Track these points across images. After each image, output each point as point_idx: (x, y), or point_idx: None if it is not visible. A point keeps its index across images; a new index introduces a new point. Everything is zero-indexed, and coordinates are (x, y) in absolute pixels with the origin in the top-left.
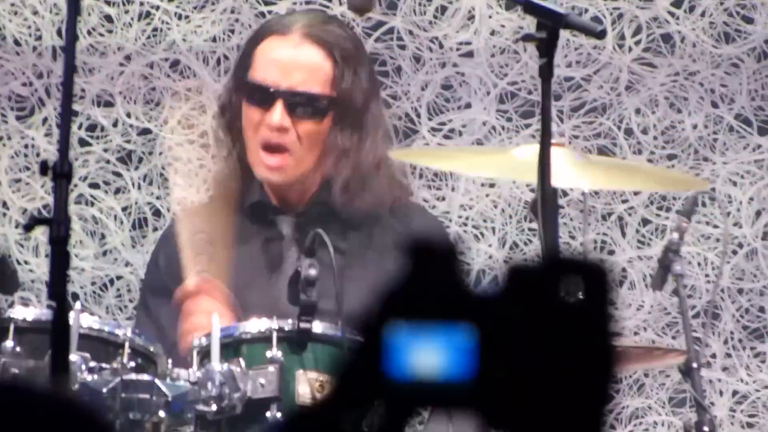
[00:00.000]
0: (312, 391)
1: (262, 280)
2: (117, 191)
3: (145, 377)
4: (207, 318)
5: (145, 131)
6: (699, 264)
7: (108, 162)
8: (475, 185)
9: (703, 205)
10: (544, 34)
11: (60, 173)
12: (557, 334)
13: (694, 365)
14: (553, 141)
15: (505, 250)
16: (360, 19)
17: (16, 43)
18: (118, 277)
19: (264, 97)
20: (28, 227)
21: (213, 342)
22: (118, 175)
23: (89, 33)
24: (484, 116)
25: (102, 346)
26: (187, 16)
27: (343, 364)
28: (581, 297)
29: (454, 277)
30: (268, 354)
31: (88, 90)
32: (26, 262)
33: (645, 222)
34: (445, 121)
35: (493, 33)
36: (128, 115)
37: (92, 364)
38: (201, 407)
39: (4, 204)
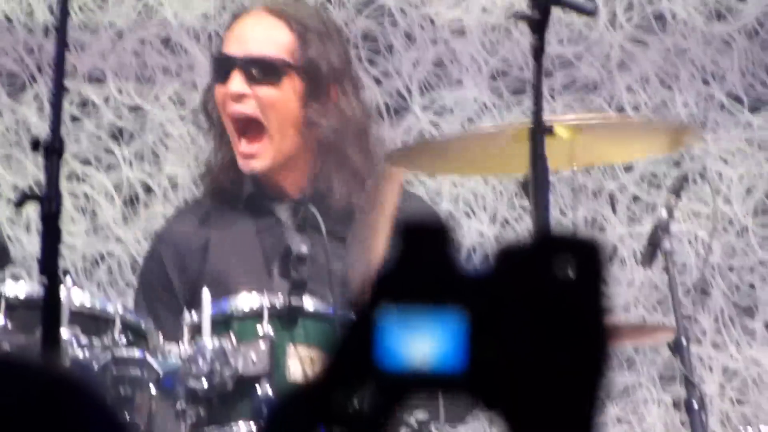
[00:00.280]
0: (302, 367)
1: (263, 272)
2: (108, 168)
3: (136, 353)
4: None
5: (137, 108)
6: (689, 241)
7: (99, 138)
8: None
9: (694, 182)
10: (535, 12)
11: (51, 150)
12: (549, 313)
13: (684, 342)
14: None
15: (496, 228)
16: None
17: (8, 20)
18: (109, 254)
19: (223, 68)
20: (19, 203)
21: (204, 318)
22: (110, 151)
23: (80, 10)
24: (476, 93)
25: (93, 322)
26: None
27: (334, 343)
28: (572, 275)
29: (445, 259)
30: (259, 330)
31: (80, 67)
32: (17, 239)
33: (635, 199)
34: (436, 98)
35: (484, 10)
36: (120, 92)
37: (83, 339)
38: (192, 383)
39: None
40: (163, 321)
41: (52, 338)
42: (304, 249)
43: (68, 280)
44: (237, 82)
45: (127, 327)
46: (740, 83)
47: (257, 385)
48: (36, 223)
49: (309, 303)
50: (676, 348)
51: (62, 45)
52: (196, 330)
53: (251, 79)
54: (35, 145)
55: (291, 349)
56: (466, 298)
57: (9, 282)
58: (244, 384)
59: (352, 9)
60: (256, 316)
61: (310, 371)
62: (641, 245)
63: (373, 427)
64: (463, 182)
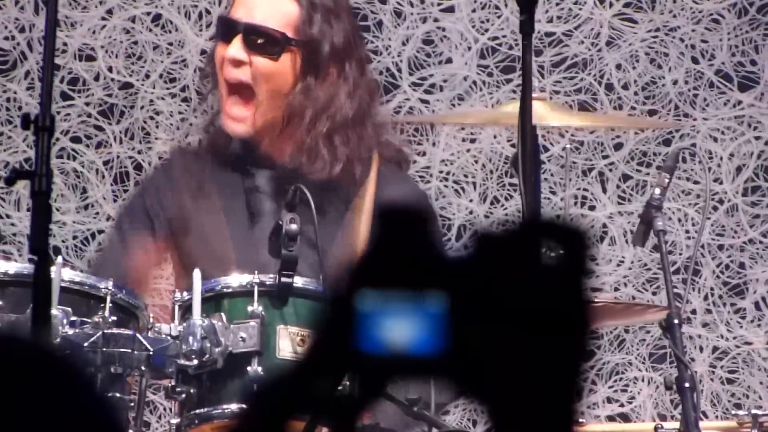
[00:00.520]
0: (293, 346)
1: (241, 232)
2: (98, 145)
3: (127, 331)
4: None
5: (127, 85)
6: (679, 220)
7: (90, 116)
8: (456, 140)
9: (684, 161)
10: None
11: (42, 127)
12: (531, 296)
13: (675, 321)
14: (534, 95)
15: (486, 206)
16: None
17: None
18: (100, 231)
19: (227, 31)
20: (10, 180)
21: (194, 296)
22: (100, 129)
23: None
24: (465, 71)
25: (83, 300)
26: None
27: (315, 326)
28: (558, 257)
29: (425, 243)
30: (249, 308)
31: (70, 44)
32: (7, 216)
33: (625, 178)
34: (426, 76)
35: None
36: (110, 69)
37: (73, 317)
38: (182, 361)
39: None
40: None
41: (42, 316)
42: (294, 227)
43: (59, 258)
44: (237, 48)
45: (117, 305)
46: (729, 61)
47: (248, 364)
48: (26, 200)
49: (299, 281)
50: (667, 327)
51: (52, 22)
52: (186, 308)
53: (251, 48)
54: (26, 122)
55: (281, 328)
56: (446, 281)
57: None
58: (235, 362)
59: None
60: (246, 294)
61: (300, 349)
62: (631, 224)
63: (354, 409)
64: (452, 160)
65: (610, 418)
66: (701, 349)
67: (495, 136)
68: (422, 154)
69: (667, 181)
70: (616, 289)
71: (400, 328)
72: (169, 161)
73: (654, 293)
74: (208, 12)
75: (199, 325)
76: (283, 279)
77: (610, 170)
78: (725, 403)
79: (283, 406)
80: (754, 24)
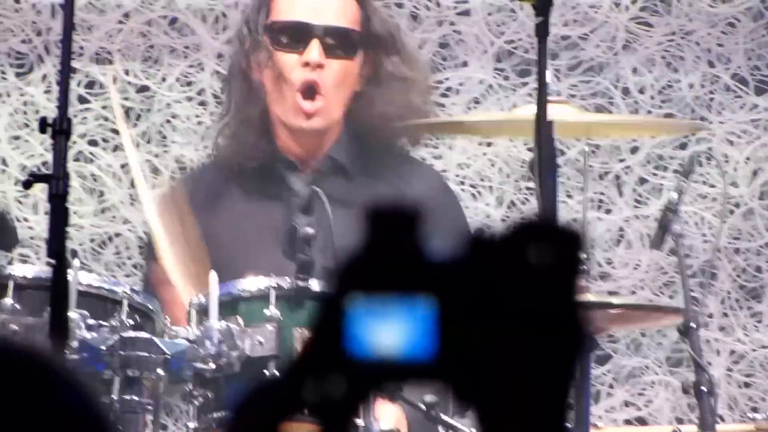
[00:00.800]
0: None
1: (270, 238)
2: (115, 148)
3: (144, 335)
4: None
5: (144, 88)
6: (696, 223)
7: (106, 119)
8: (472, 143)
9: (700, 164)
10: None
11: (59, 130)
12: (521, 300)
13: (692, 325)
14: (552, 99)
15: (503, 209)
16: None
17: (16, 0)
18: (117, 235)
19: (298, 35)
20: (27, 184)
21: (211, 300)
22: (117, 132)
23: None
24: (481, 75)
25: (101, 304)
26: None
27: (313, 324)
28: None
29: (414, 245)
30: (266, 312)
31: (87, 47)
32: (25, 219)
33: (642, 181)
34: (442, 79)
35: None
36: (126, 73)
37: (91, 321)
38: (199, 365)
39: (4, 161)
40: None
41: (59, 319)
42: (310, 230)
43: (76, 261)
44: (316, 52)
45: (134, 308)
46: (745, 65)
47: (265, 368)
48: (44, 203)
49: (316, 284)
50: (684, 331)
51: (69, 25)
52: (203, 312)
53: (328, 50)
54: (43, 125)
55: (298, 331)
56: (436, 285)
57: (17, 263)
58: (252, 366)
59: None
60: (263, 297)
61: None
62: (648, 227)
63: (343, 413)
64: (469, 163)
65: (628, 422)
66: (718, 352)
67: (511, 140)
68: (438, 157)
69: (684, 184)
70: (633, 293)
71: (389, 330)
72: (171, 190)
73: (671, 297)
74: (224, 15)
75: (216, 329)
76: (300, 282)
77: (627, 174)
78: (742, 406)
79: (275, 408)
80: None
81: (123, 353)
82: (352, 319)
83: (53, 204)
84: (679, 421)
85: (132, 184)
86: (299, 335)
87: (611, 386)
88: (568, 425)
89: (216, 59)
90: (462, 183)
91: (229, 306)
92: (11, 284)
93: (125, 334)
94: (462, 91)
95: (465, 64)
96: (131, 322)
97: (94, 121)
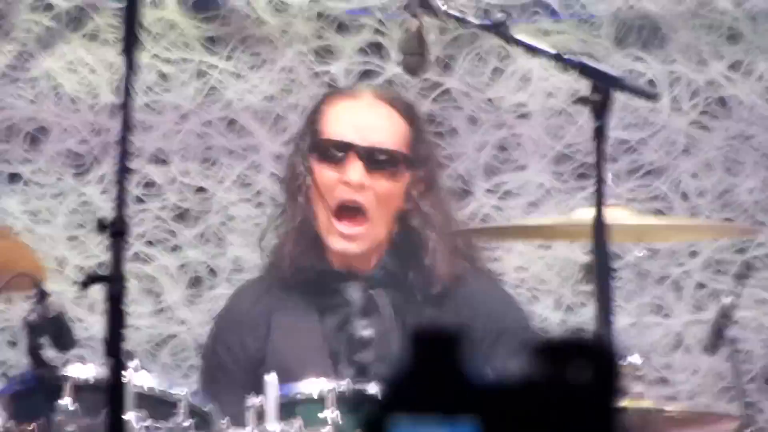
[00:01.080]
0: None
1: (325, 354)
2: (172, 249)
3: None
4: None
5: (201, 189)
6: (754, 329)
7: (163, 220)
8: (530, 247)
9: (757, 269)
10: (598, 97)
11: (116, 231)
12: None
13: (748, 431)
14: (610, 203)
15: (561, 313)
16: (415, 81)
17: (73, 101)
18: (173, 336)
19: (341, 154)
20: (84, 285)
21: (269, 402)
22: (174, 233)
23: (146, 91)
24: (540, 178)
25: (158, 405)
26: (243, 75)
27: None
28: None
29: (457, 368)
30: (324, 415)
31: (144, 148)
32: (81, 320)
33: (701, 286)
34: (500, 182)
35: (548, 95)
36: (184, 173)
37: (148, 422)
38: None
39: (61, 261)
40: (225, 403)
41: (116, 421)
42: (367, 333)
43: (134, 362)
44: (357, 172)
45: (191, 410)
46: None
47: None
48: (100, 304)
49: (374, 388)
50: None
51: (126, 126)
52: (260, 414)
53: (371, 170)
54: (100, 226)
55: None
56: (478, 407)
57: (76, 364)
58: None
59: (417, 93)
60: (321, 400)
61: None
62: (705, 332)
63: None
64: (527, 266)
65: None
66: None
67: (569, 243)
68: (496, 260)
69: (739, 289)
70: (691, 398)
71: None
72: (227, 310)
73: (729, 402)
74: (282, 117)
75: None
76: (357, 386)
77: (685, 278)
78: None
79: None
80: None
81: None
82: None
83: (110, 305)
84: None
85: (188, 285)
86: None
87: None
88: None
89: (274, 161)
90: (519, 286)
91: (286, 408)
92: (68, 385)
93: None
94: (520, 195)
95: (523, 167)
96: (187, 423)
97: (151, 221)
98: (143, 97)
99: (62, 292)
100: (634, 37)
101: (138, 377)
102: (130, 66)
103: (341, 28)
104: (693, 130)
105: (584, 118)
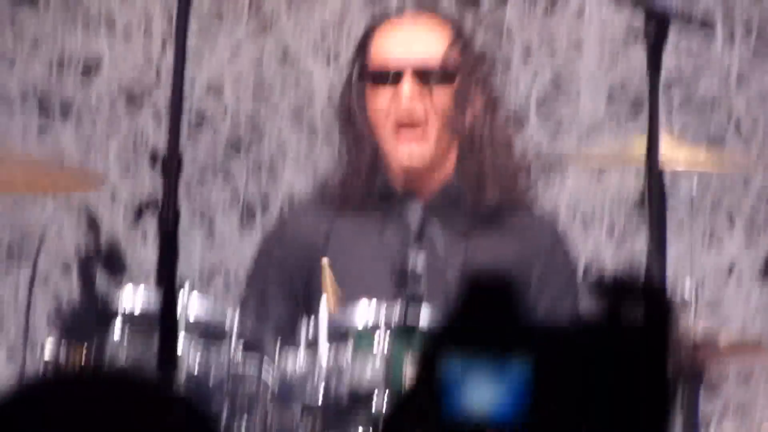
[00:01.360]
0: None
1: (382, 267)
2: (225, 179)
3: (252, 368)
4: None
5: (254, 119)
6: None
7: (217, 150)
8: (584, 174)
9: None
10: (652, 27)
11: (169, 161)
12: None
13: None
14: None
15: (614, 242)
16: (470, 12)
17: (126, 31)
18: (225, 265)
19: (392, 74)
20: (138, 215)
21: (320, 329)
22: (227, 163)
23: (199, 22)
24: (592, 109)
25: (209, 334)
26: (297, 4)
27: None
28: (640, 322)
29: (509, 310)
30: (376, 343)
31: (198, 78)
32: (134, 248)
33: (753, 215)
34: (553, 113)
35: (603, 25)
36: (237, 103)
37: (199, 352)
38: (307, 399)
39: (114, 191)
40: (272, 309)
41: (168, 350)
42: (420, 264)
43: (186, 289)
44: (412, 87)
45: (242, 339)
46: None
47: (373, 401)
48: (153, 233)
49: (425, 317)
50: None
51: (181, 56)
52: (312, 340)
53: (423, 83)
54: (153, 158)
55: (407, 363)
56: (530, 348)
57: (126, 294)
58: (359, 397)
59: (471, 23)
60: (372, 328)
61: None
62: (759, 261)
63: None
64: (581, 197)
65: None
66: None
67: (622, 174)
68: (550, 188)
69: None
70: (742, 328)
71: (482, 392)
72: (279, 227)
73: None
74: (335, 46)
75: (324, 362)
76: (410, 314)
77: (737, 208)
78: None
79: None
80: None
81: (231, 387)
82: (446, 379)
83: (163, 235)
84: None
85: (241, 216)
86: (407, 370)
87: (720, 421)
88: None
89: (328, 90)
90: (573, 214)
91: (339, 335)
92: (120, 314)
93: (233, 368)
94: (573, 125)
95: (577, 97)
96: (239, 353)
97: (204, 151)
98: (197, 27)
99: (115, 221)
100: None
101: (190, 304)
102: None
103: None
104: (746, 62)
105: (638, 50)
